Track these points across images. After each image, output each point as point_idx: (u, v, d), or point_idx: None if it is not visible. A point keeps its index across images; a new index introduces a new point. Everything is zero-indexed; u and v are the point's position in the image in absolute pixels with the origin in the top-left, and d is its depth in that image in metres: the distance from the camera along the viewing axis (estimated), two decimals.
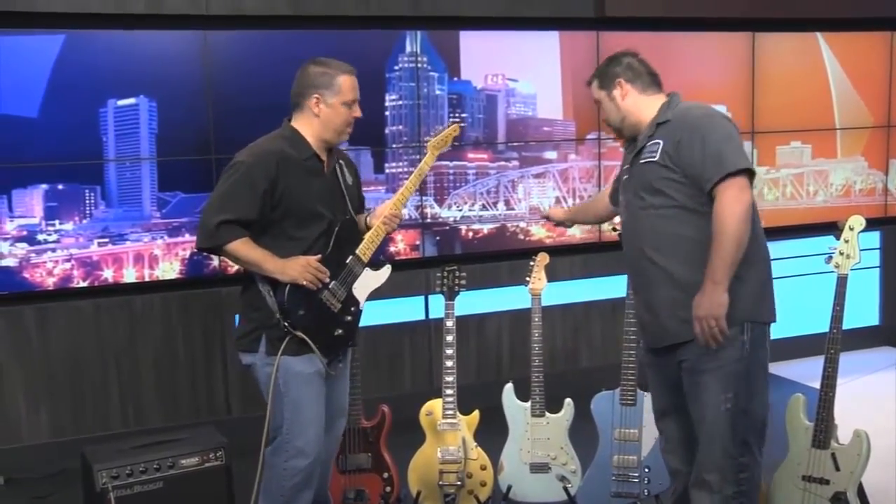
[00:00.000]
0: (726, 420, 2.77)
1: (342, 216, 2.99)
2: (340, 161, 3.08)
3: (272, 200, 2.85)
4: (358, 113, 2.99)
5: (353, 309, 2.99)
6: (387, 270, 3.10)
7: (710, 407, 2.78)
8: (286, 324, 2.84)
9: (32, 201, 4.22)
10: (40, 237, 4.24)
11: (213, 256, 4.27)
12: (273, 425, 2.94)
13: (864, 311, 5.95)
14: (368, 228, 3.07)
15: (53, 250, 4.27)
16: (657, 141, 2.79)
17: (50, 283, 4.27)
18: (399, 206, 3.10)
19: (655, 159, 2.77)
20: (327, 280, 2.89)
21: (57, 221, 4.26)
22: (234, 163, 2.87)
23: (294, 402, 2.90)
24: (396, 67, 4.77)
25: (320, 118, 2.92)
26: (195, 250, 3.00)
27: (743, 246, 2.65)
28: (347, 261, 2.97)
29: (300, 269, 2.84)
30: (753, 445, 2.85)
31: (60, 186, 4.26)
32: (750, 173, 2.70)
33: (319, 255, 2.89)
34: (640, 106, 2.88)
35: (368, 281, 3.04)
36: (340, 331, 2.96)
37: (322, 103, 2.92)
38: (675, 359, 2.85)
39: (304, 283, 2.84)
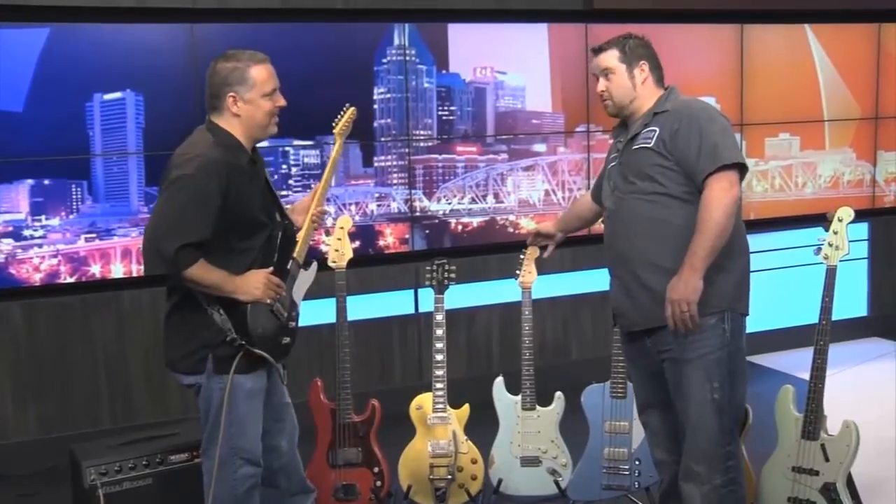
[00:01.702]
0: (713, 410, 2.78)
1: (279, 221, 2.87)
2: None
3: (221, 214, 2.66)
4: (281, 102, 2.78)
5: (294, 314, 2.88)
6: (314, 267, 2.98)
7: (695, 397, 2.80)
8: (243, 342, 2.71)
9: (18, 196, 4.19)
10: (26, 233, 4.21)
11: None
12: (210, 439, 2.83)
13: (852, 302, 5.96)
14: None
15: (40, 246, 4.24)
16: (653, 128, 2.81)
17: (37, 278, 4.24)
18: (321, 201, 2.99)
19: (650, 145, 2.79)
20: (283, 293, 2.79)
21: (43, 217, 4.23)
22: (179, 177, 2.63)
23: (240, 417, 2.80)
24: (385, 60, 4.75)
25: (241, 117, 2.72)
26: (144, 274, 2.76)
27: (724, 237, 2.68)
28: (289, 266, 2.85)
29: (262, 287, 2.70)
30: (736, 433, 2.87)
31: (46, 181, 4.23)
32: (742, 168, 2.73)
33: (272, 268, 2.76)
34: (648, 95, 2.89)
35: (303, 282, 2.93)
36: (288, 339, 2.85)
37: (240, 101, 2.71)
38: (655, 348, 2.86)
39: (268, 301, 2.72)
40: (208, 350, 2.74)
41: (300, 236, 2.89)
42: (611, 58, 2.90)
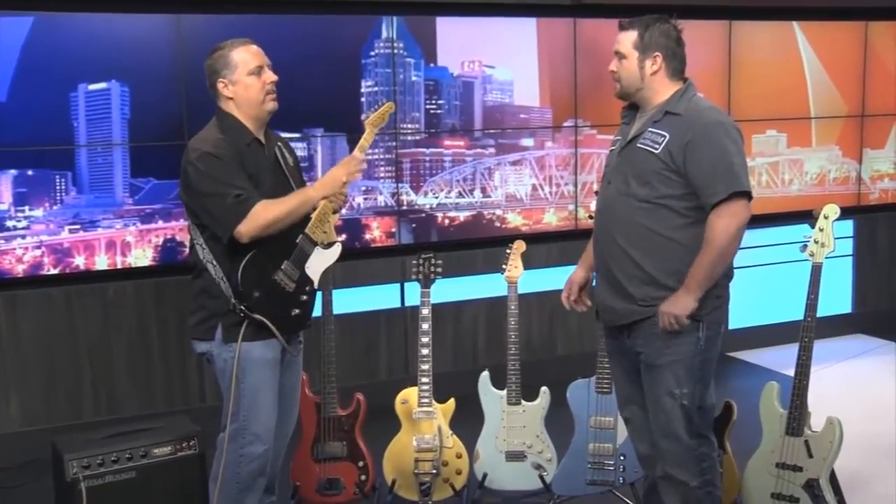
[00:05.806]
0: (681, 415, 2.80)
1: None
2: (279, 143, 3.05)
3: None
4: (271, 77, 2.91)
5: (307, 288, 2.96)
6: (337, 248, 3.04)
7: (663, 402, 2.81)
8: (242, 307, 2.80)
9: (1, 187, 4.15)
10: (10, 223, 4.17)
11: (186, 244, 4.23)
12: (227, 415, 2.91)
13: (837, 298, 5.99)
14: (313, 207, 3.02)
15: (23, 237, 4.20)
16: (663, 133, 2.73)
17: (20, 270, 4.21)
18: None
19: (656, 151, 2.72)
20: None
21: (27, 208, 4.19)
22: (202, 154, 2.81)
23: (251, 389, 2.89)
24: (372, 53, 4.73)
25: (235, 99, 2.88)
26: (230, 238, 2.80)
27: (727, 264, 2.74)
28: (297, 240, 2.92)
29: (351, 168, 2.92)
30: (707, 433, 2.88)
31: (30, 172, 4.19)
32: (750, 196, 2.72)
33: (352, 156, 2.95)
34: (660, 87, 2.80)
35: (320, 260, 3.00)
36: (297, 310, 2.93)
37: (230, 84, 2.87)
38: (634, 347, 2.87)
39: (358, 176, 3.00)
40: (217, 319, 2.88)
41: (314, 214, 2.95)
42: (627, 41, 2.82)
